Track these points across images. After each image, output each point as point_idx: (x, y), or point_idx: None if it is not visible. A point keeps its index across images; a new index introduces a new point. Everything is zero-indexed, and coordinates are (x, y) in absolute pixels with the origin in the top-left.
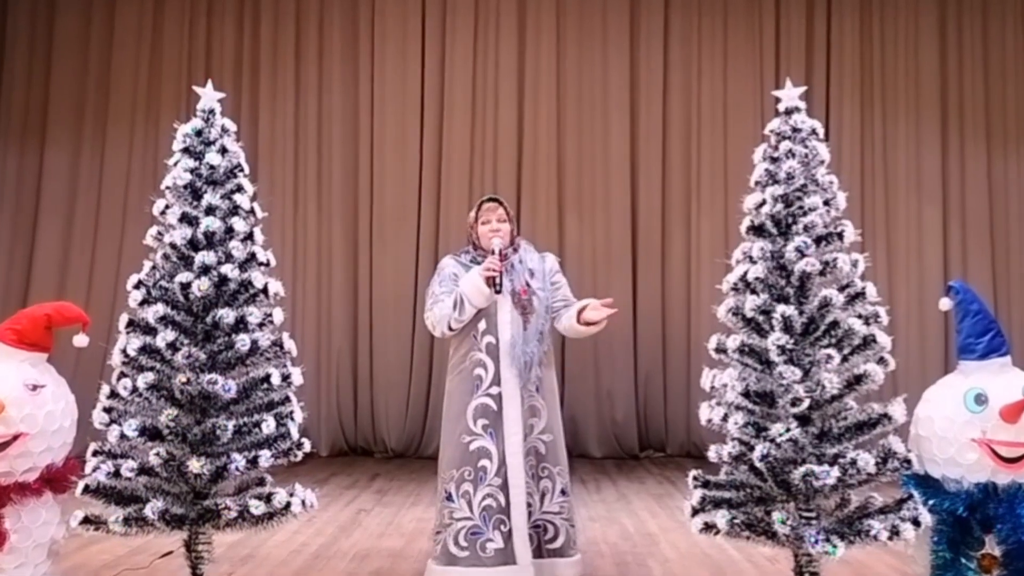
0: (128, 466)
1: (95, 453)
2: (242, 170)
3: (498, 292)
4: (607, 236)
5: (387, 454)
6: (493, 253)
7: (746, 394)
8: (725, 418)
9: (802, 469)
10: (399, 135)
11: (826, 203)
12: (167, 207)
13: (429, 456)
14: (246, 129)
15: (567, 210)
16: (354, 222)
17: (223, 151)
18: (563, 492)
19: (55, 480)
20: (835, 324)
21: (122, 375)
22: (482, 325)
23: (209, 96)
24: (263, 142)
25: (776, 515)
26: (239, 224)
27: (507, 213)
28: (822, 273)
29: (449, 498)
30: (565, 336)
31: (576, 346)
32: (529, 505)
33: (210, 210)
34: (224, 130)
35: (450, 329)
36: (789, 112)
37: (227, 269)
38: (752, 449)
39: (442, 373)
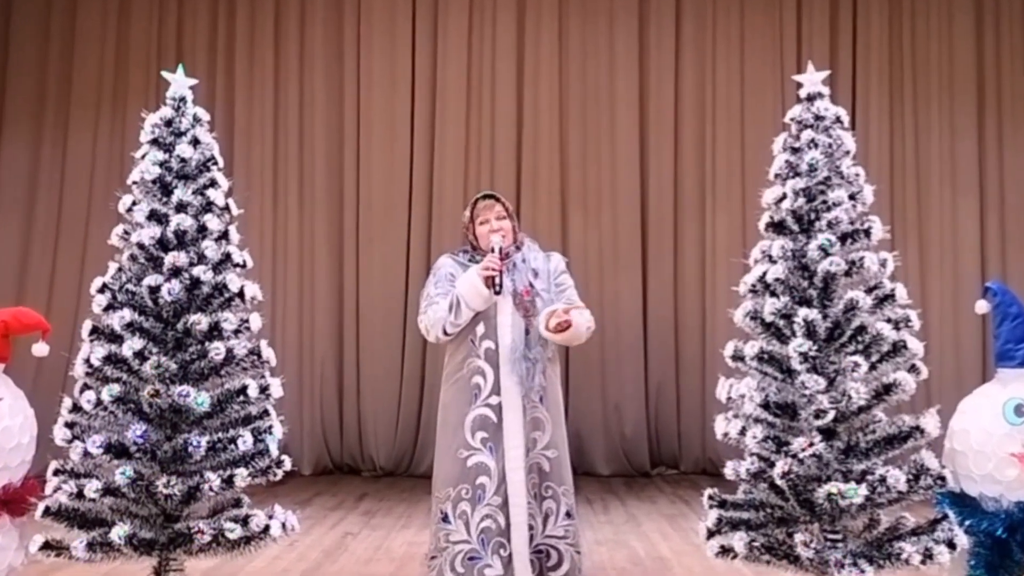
0: (92, 486)
1: (56, 472)
2: (216, 163)
3: (498, 293)
4: (614, 234)
5: (375, 472)
6: (493, 251)
7: (766, 405)
8: (743, 432)
9: (827, 487)
10: (387, 124)
11: (852, 197)
12: (134, 204)
13: (421, 474)
14: (220, 118)
15: (571, 206)
16: (339, 219)
17: (195, 142)
18: (568, 515)
19: (13, 502)
20: (862, 329)
21: (86, 387)
22: (480, 329)
23: (180, 82)
24: (239, 132)
25: (799, 537)
26: (213, 222)
27: (506, 209)
28: (848, 273)
29: (445, 519)
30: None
31: (581, 354)
32: (531, 528)
33: (181, 207)
34: (196, 119)
35: (445, 334)
36: (811, 98)
37: (200, 271)
38: (772, 465)
39: (436, 383)
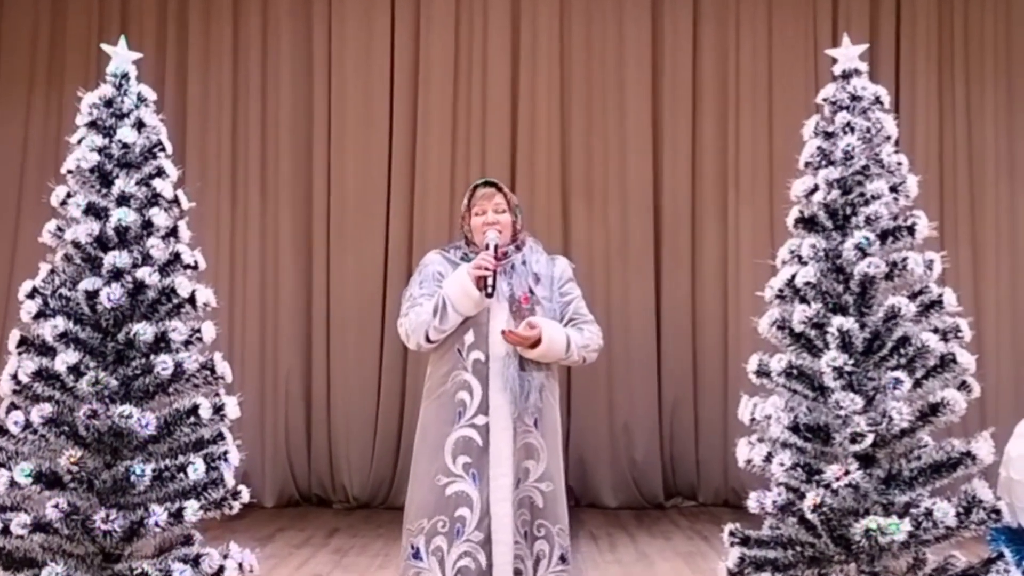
0: (20, 521)
1: None
2: (164, 149)
3: (489, 296)
4: (623, 231)
5: (348, 504)
6: (487, 248)
7: (795, 428)
8: (768, 458)
9: (865, 522)
10: (363, 104)
11: (894, 189)
12: (69, 196)
13: (401, 506)
14: (171, 98)
15: (573, 199)
16: (307, 214)
17: (139, 125)
18: (563, 559)
19: None
20: (905, 340)
21: (12, 407)
22: (469, 338)
23: (122, 56)
24: (192, 114)
25: None
26: (160, 217)
27: (508, 202)
28: (889, 276)
29: (416, 555)
30: None
31: (585, 367)
32: (518, 571)
33: (123, 199)
34: (141, 99)
35: (428, 341)
36: (847, 75)
37: (144, 273)
38: (802, 497)
39: (417, 403)
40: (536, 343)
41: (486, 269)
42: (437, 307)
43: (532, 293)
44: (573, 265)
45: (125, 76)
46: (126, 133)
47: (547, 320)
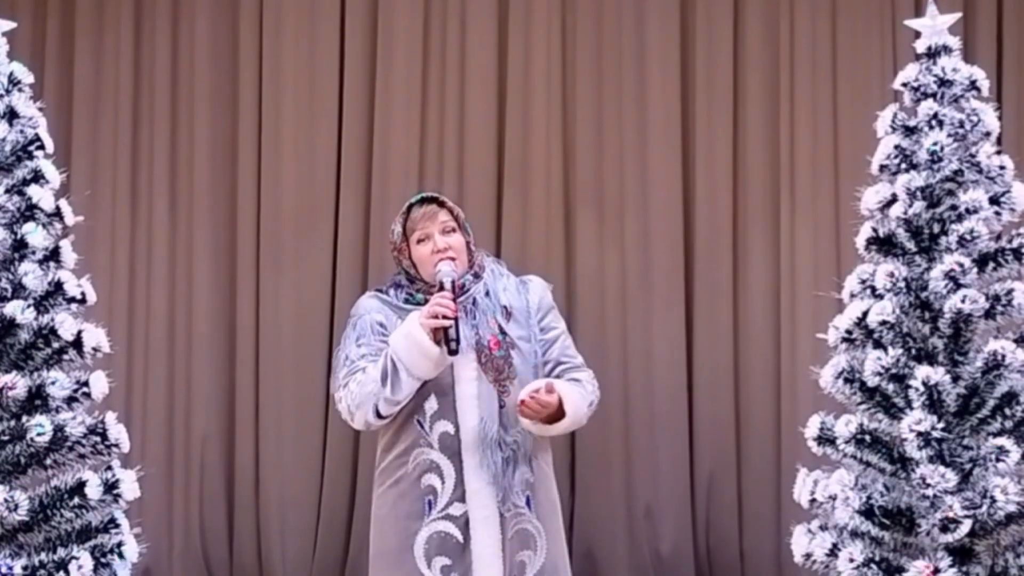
0: None
1: None
2: (42, 147)
3: (454, 353)
4: (644, 252)
5: None
6: (441, 288)
7: (868, 512)
8: (834, 552)
9: None
10: (305, 87)
11: (994, 200)
12: None
13: None
14: (52, 80)
15: (579, 211)
16: (230, 231)
17: (10, 116)
18: None
19: None
20: (1011, 397)
21: None
22: (431, 406)
23: None
24: (81, 101)
25: None
26: (36, 235)
27: (455, 218)
28: (989, 314)
29: None
30: None
31: (593, 430)
32: None
33: None
34: (13, 82)
35: (379, 416)
36: (933, 55)
37: (15, 308)
38: None
39: (372, 477)
40: (558, 414)
41: (445, 317)
42: (386, 372)
43: (503, 334)
44: (550, 285)
45: None
46: None
47: (561, 382)
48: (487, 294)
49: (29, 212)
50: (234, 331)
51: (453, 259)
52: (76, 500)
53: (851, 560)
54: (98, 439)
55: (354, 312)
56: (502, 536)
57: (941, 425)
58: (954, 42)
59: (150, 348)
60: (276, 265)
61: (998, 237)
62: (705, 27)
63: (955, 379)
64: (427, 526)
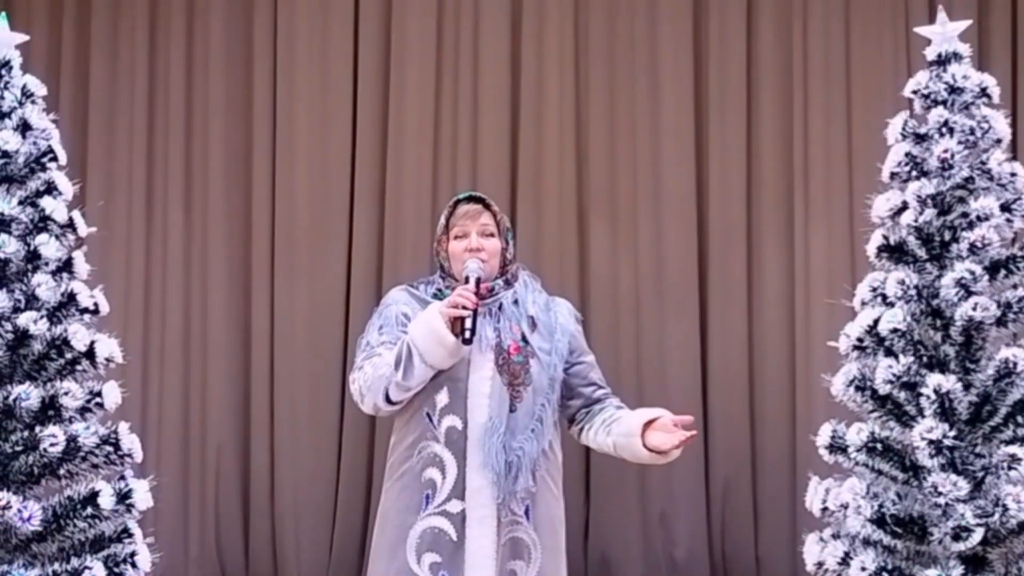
0: None
1: None
2: (55, 158)
3: (468, 343)
4: (657, 258)
5: None
6: (467, 281)
7: (880, 521)
8: (846, 560)
9: None
10: (318, 97)
11: (1005, 207)
12: None
13: None
14: (67, 92)
15: (592, 218)
16: (246, 240)
17: (24, 128)
18: None
19: None
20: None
21: None
22: (442, 399)
23: (2, 39)
24: (97, 111)
25: None
26: (49, 246)
27: (497, 224)
28: (1001, 322)
29: None
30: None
31: None
32: None
33: (1, 224)
34: (26, 94)
35: (388, 401)
36: (943, 62)
37: (28, 319)
38: None
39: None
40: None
41: (464, 307)
42: (400, 357)
43: (526, 342)
44: (579, 316)
45: (6, 65)
46: (6, 138)
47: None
48: (515, 302)
49: (42, 224)
50: (249, 339)
51: (484, 260)
52: (89, 510)
53: (863, 569)
54: (111, 449)
55: (383, 303)
56: (497, 539)
57: (953, 433)
58: (964, 49)
59: (165, 356)
60: (290, 273)
61: (1010, 244)
62: (718, 34)
63: (967, 387)
64: (422, 520)
